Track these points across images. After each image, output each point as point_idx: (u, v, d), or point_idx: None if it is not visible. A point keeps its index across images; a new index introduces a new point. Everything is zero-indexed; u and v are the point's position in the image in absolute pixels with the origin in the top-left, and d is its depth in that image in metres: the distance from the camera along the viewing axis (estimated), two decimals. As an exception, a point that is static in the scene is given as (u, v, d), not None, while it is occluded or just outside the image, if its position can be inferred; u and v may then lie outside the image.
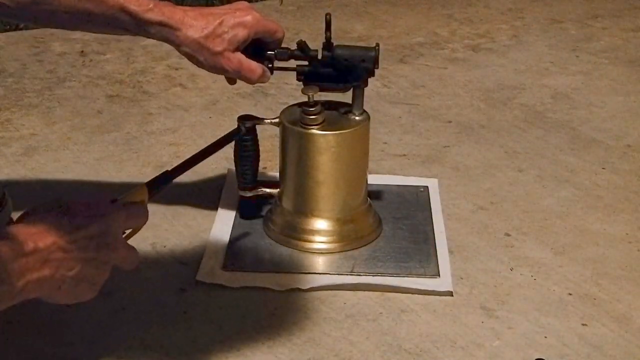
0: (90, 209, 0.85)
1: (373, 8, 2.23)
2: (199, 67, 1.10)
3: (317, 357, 0.97)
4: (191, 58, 1.10)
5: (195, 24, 1.07)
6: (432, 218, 1.24)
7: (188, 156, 1.38)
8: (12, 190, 1.18)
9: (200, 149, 1.01)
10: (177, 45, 1.09)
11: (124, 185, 1.32)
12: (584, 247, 1.19)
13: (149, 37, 1.10)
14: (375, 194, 1.27)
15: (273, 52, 1.12)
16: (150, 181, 0.95)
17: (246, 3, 1.13)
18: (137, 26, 1.07)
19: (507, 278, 1.12)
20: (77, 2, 1.05)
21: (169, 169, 0.97)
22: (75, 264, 0.82)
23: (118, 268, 0.88)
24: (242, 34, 1.07)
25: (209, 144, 1.00)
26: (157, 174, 0.96)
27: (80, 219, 0.83)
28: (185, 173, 1.34)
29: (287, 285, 1.09)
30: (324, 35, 1.12)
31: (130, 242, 0.92)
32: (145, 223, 0.91)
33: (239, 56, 1.08)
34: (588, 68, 1.86)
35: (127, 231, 0.91)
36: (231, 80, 1.16)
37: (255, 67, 1.09)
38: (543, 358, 0.97)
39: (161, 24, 1.06)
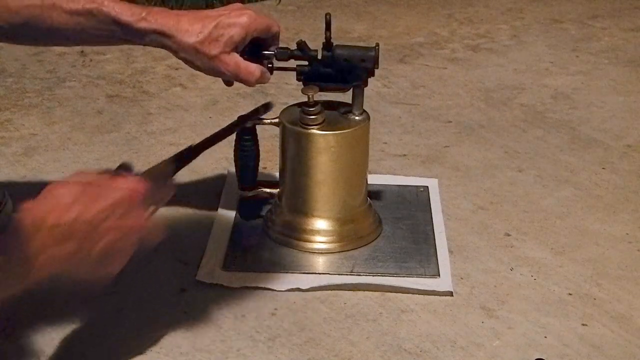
0: (114, 182, 0.84)
1: (373, 8, 2.23)
2: (197, 71, 1.10)
3: (317, 357, 0.97)
4: (188, 63, 1.09)
5: (190, 29, 1.06)
6: (432, 218, 1.24)
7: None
8: (12, 190, 1.18)
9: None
10: (174, 52, 1.09)
11: (124, 185, 1.32)
12: (584, 247, 1.19)
13: (146, 45, 1.10)
14: (375, 194, 1.27)
15: (273, 52, 1.12)
16: (174, 155, 0.94)
17: (241, 4, 1.13)
18: (132, 36, 1.06)
19: (507, 278, 1.12)
20: (68, 19, 1.04)
21: (194, 143, 0.97)
22: (99, 238, 0.81)
23: (144, 243, 0.87)
24: (238, 34, 1.07)
25: (235, 119, 1.00)
26: (182, 148, 0.95)
27: (104, 190, 0.82)
28: (185, 173, 1.34)
29: (287, 285, 1.09)
30: (324, 35, 1.12)
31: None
32: (170, 197, 0.89)
33: (236, 58, 1.07)
34: (588, 68, 1.86)
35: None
36: (228, 82, 1.16)
37: (253, 69, 1.08)
38: (543, 358, 0.97)
39: (156, 32, 1.06)
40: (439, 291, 1.08)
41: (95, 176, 0.84)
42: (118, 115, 1.58)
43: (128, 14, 1.04)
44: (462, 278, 1.12)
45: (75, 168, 1.38)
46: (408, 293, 1.08)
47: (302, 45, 1.11)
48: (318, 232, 1.16)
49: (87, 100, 1.64)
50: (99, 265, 0.83)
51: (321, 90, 1.12)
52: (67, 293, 0.95)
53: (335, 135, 1.12)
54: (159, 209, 0.90)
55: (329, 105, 1.15)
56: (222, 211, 1.24)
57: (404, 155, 1.45)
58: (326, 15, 1.10)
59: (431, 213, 1.25)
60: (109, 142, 1.47)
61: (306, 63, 1.13)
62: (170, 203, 1.25)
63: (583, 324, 1.03)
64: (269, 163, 1.35)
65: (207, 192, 1.30)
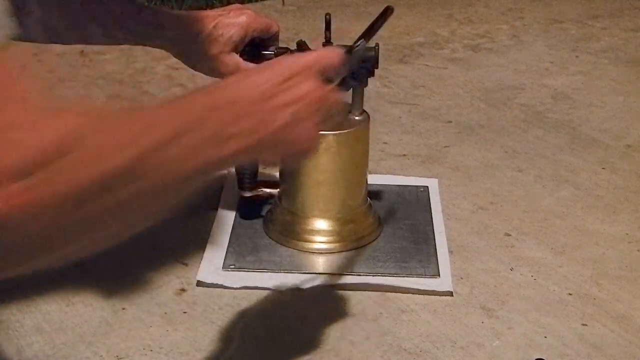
0: (275, 62, 0.78)
1: (373, 8, 2.22)
2: (196, 71, 1.10)
3: (317, 357, 0.97)
4: (187, 63, 1.09)
5: (189, 29, 1.06)
6: (432, 218, 1.24)
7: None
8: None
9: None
10: (174, 52, 1.09)
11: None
12: (584, 247, 1.19)
13: (145, 45, 1.10)
14: (375, 194, 1.27)
15: (272, 52, 1.12)
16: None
17: (240, 5, 1.13)
18: (131, 35, 1.06)
19: (507, 278, 1.12)
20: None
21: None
22: (278, 113, 0.74)
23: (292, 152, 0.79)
24: (237, 34, 1.07)
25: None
26: None
27: (269, 71, 0.76)
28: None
29: (287, 285, 1.09)
30: (324, 35, 1.11)
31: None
32: (340, 65, 0.82)
33: (236, 59, 1.08)
34: (588, 68, 1.86)
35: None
36: None
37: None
38: (543, 358, 0.97)
39: (155, 32, 1.05)
40: (439, 291, 1.08)
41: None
42: (118, 115, 1.57)
43: (128, 13, 1.04)
44: (462, 278, 1.12)
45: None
46: (408, 293, 1.08)
47: (302, 45, 1.11)
48: (318, 232, 1.16)
49: (87, 100, 1.64)
50: (288, 143, 0.76)
51: (321, 90, 1.12)
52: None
53: (335, 135, 1.12)
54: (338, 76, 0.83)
55: (329, 105, 1.15)
56: (222, 211, 1.24)
57: (404, 155, 1.45)
58: (326, 15, 1.10)
59: (431, 213, 1.25)
60: (109, 142, 1.47)
61: (306, 63, 1.13)
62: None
63: (583, 324, 1.03)
64: (269, 163, 1.35)
65: (207, 192, 1.30)
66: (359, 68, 1.08)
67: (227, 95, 0.73)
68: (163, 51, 1.12)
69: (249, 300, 1.07)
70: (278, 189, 1.19)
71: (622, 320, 1.04)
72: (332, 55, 0.81)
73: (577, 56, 1.93)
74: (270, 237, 1.18)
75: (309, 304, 1.06)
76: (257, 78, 0.75)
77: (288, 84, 0.75)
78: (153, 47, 1.11)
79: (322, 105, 0.77)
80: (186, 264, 1.13)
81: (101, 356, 0.97)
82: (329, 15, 1.09)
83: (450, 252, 1.16)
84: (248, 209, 1.23)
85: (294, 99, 0.75)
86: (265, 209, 1.22)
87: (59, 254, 0.63)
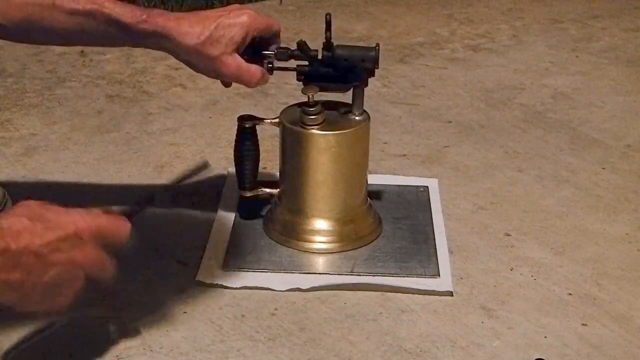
0: (65, 215, 0.81)
1: (373, 8, 2.23)
2: (198, 72, 1.10)
3: (317, 357, 0.97)
4: (190, 65, 1.09)
5: (190, 31, 1.05)
6: (432, 218, 1.24)
7: (188, 156, 1.38)
8: (12, 190, 1.18)
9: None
10: (175, 54, 1.08)
11: (124, 186, 1.32)
12: (584, 247, 1.19)
13: (147, 47, 1.10)
14: (375, 194, 1.27)
15: (273, 52, 1.12)
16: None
17: (239, 5, 1.12)
18: (132, 38, 1.06)
19: (507, 278, 1.12)
20: (68, 19, 1.03)
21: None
22: (47, 270, 0.79)
23: (94, 280, 0.84)
24: (239, 35, 1.06)
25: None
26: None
27: (53, 223, 0.80)
28: (185, 173, 1.34)
29: (287, 285, 1.09)
30: (324, 35, 1.11)
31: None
32: (124, 237, 0.85)
33: (238, 60, 1.07)
34: (588, 68, 1.86)
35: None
36: (226, 83, 1.16)
37: (254, 70, 1.08)
38: (543, 358, 0.97)
39: (156, 34, 1.05)
40: (439, 291, 1.08)
41: (44, 207, 0.81)
42: (118, 115, 1.58)
43: (128, 16, 1.03)
44: (462, 278, 1.12)
45: (75, 168, 1.38)
46: (408, 293, 1.08)
47: (302, 45, 1.11)
48: (318, 232, 1.16)
49: (87, 100, 1.64)
50: (46, 299, 0.81)
51: (321, 90, 1.12)
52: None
53: (335, 135, 1.12)
54: (120, 248, 0.86)
55: (329, 105, 1.15)
56: (222, 211, 1.24)
57: (404, 155, 1.45)
58: (326, 15, 1.10)
59: (431, 213, 1.25)
60: (109, 142, 1.47)
61: (306, 63, 1.13)
62: (170, 203, 1.26)
63: (583, 324, 1.03)
64: (269, 163, 1.35)
65: (207, 192, 1.30)
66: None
67: (6, 237, 0.76)
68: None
69: (249, 300, 1.07)
70: (278, 189, 1.19)
71: (622, 320, 1.04)
72: (119, 226, 0.85)
73: (577, 56, 1.93)
74: (270, 237, 1.18)
75: (309, 304, 1.06)
76: (42, 228, 0.78)
77: (69, 242, 0.80)
78: (155, 49, 1.11)
79: (93, 270, 0.83)
80: (186, 264, 1.13)
81: (101, 357, 0.97)
82: (329, 15, 1.09)
83: (450, 252, 1.16)
84: (248, 209, 1.23)
85: (67, 260, 0.80)
86: (265, 209, 1.22)
87: None
